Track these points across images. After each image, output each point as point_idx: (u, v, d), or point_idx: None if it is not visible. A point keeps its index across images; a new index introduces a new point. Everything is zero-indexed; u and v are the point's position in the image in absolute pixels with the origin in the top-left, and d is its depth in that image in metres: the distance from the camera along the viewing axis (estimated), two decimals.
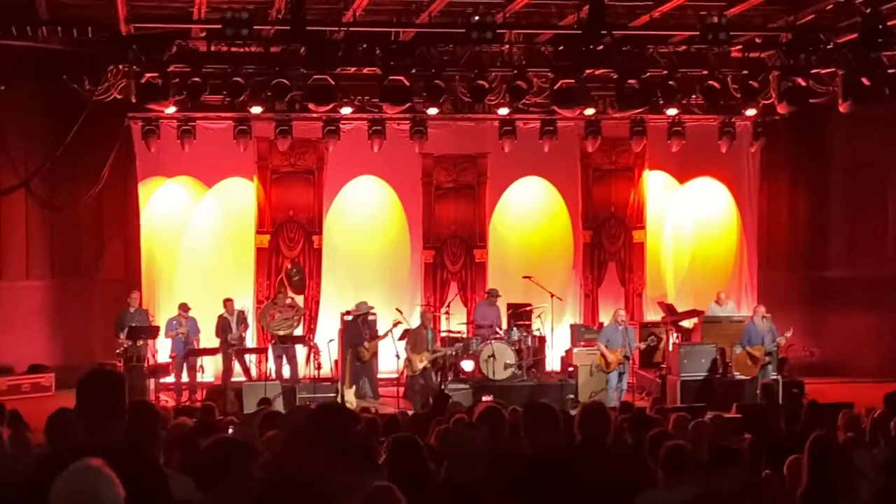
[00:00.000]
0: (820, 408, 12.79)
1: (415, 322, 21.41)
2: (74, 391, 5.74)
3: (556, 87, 19.97)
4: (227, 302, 21.62)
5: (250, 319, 22.20)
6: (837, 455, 8.02)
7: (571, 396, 20.28)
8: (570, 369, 21.48)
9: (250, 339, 22.51)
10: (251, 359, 22.19)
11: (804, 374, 21.60)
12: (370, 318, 21.41)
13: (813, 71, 20.03)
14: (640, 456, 8.08)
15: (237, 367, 21.57)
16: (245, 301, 22.68)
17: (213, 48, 19.53)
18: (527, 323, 22.34)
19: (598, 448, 7.41)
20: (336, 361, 21.57)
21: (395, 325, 20.92)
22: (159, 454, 6.33)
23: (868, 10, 17.79)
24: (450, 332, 22.37)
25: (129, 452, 4.71)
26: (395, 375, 21.23)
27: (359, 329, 21.09)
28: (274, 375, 21.20)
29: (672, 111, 22.20)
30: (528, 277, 22.85)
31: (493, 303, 22.31)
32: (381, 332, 21.24)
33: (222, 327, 21.44)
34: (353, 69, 20.10)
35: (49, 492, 4.28)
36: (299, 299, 22.79)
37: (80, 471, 4.36)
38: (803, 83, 19.99)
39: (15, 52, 19.72)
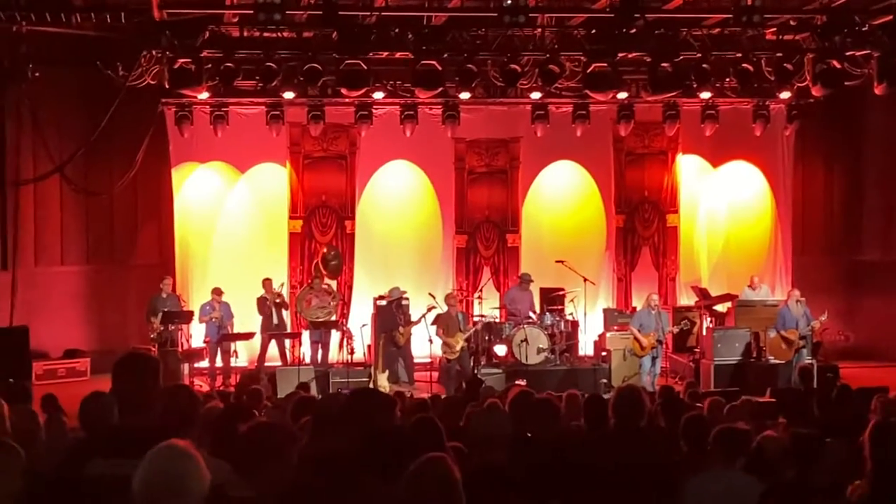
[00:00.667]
0: (851, 392, 12.71)
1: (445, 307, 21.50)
2: (110, 375, 5.77)
3: (588, 71, 19.93)
4: (266, 282, 21.69)
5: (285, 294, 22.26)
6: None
7: (605, 381, 20.28)
8: (604, 354, 21.46)
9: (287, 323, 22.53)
10: (286, 343, 22.21)
11: (839, 358, 21.51)
12: (403, 303, 21.43)
13: (848, 53, 19.90)
14: (674, 439, 8.08)
15: (273, 351, 21.63)
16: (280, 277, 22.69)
17: (245, 33, 19.58)
18: (560, 307, 22.29)
19: (632, 431, 7.40)
20: (369, 346, 21.60)
21: (430, 309, 20.91)
22: (196, 438, 6.33)
23: None
24: (482, 316, 22.33)
25: (163, 436, 4.71)
26: (429, 360, 21.27)
27: (393, 314, 21.11)
28: (309, 360, 21.26)
29: (706, 94, 22.08)
30: (561, 262, 22.77)
31: (526, 287, 22.28)
32: (414, 317, 21.24)
33: (262, 308, 21.52)
34: (385, 54, 20.07)
35: (84, 475, 4.32)
36: (333, 284, 22.79)
37: (167, 451, 4.36)
38: (838, 66, 19.88)
39: (49, 39, 19.83)
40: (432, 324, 20.79)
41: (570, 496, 6.35)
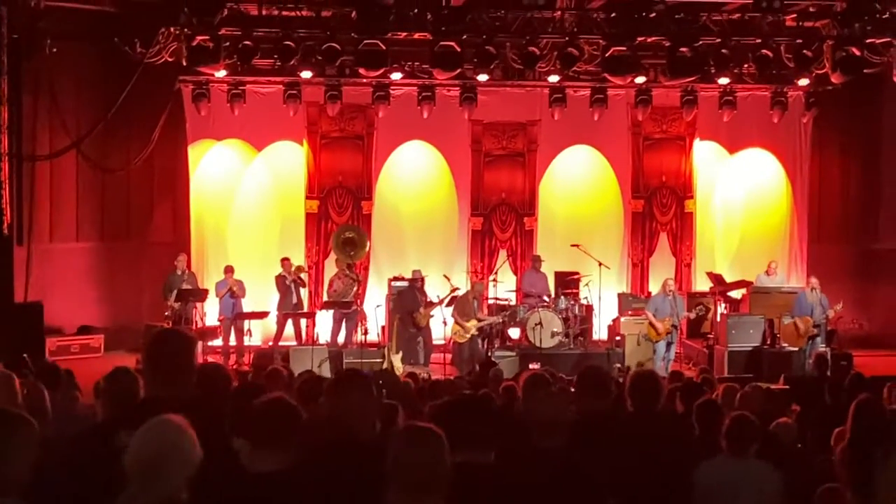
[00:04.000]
0: (866, 380, 12.68)
1: (462, 288, 21.53)
2: (124, 352, 5.80)
3: (607, 55, 19.88)
4: (285, 261, 21.68)
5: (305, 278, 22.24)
6: (880, 419, 8.01)
7: (618, 365, 20.24)
8: (618, 338, 21.42)
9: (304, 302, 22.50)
10: (302, 322, 22.18)
11: (853, 346, 21.48)
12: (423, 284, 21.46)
13: (868, 40, 19.82)
14: (689, 423, 8.09)
15: (289, 330, 21.61)
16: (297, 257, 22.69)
17: (264, 12, 19.61)
18: (574, 291, 22.27)
19: (649, 415, 7.40)
20: (383, 327, 21.60)
21: (453, 291, 20.94)
22: (227, 414, 6.35)
23: None
24: (497, 299, 22.35)
25: (196, 411, 4.76)
26: (443, 342, 21.29)
27: (415, 295, 21.09)
28: (329, 339, 21.23)
29: (724, 80, 22.00)
30: (577, 245, 22.76)
31: (538, 269, 22.31)
32: (429, 299, 21.23)
33: (280, 286, 21.51)
34: (403, 34, 20.04)
35: (114, 447, 4.36)
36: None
37: (160, 426, 4.41)
38: (858, 53, 19.79)
39: (67, 14, 19.87)
40: (447, 305, 20.83)
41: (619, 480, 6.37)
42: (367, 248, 22.63)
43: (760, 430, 7.65)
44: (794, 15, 20.10)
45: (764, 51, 20.19)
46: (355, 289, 21.91)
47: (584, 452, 6.42)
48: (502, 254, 24.41)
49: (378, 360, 19.57)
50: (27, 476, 4.64)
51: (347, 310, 21.39)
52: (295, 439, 5.45)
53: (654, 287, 23.42)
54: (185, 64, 19.88)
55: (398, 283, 21.59)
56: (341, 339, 21.32)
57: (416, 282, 21.26)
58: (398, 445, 4.89)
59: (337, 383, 6.12)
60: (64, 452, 5.60)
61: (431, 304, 21.12)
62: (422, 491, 4.75)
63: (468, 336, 20.62)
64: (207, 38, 19.10)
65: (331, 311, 21.69)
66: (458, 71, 20.23)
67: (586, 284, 22.36)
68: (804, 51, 20.34)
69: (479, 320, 20.84)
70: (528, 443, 6.50)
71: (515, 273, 23.96)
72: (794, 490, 7.53)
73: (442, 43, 19.27)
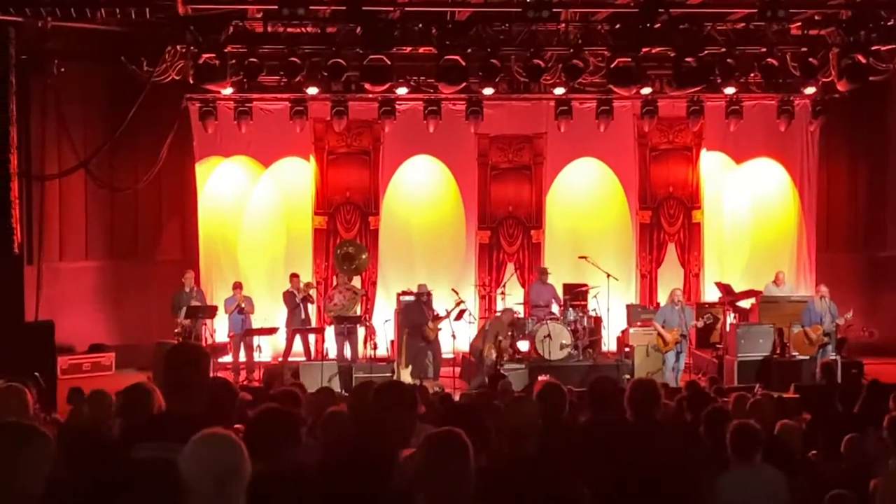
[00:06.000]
0: (882, 387, 12.63)
1: (469, 301, 21.57)
2: (135, 370, 5.84)
3: (612, 66, 19.90)
4: (293, 277, 21.70)
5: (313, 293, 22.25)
6: None
7: (627, 377, 20.18)
8: (627, 349, 21.40)
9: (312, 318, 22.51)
10: (311, 338, 22.19)
11: (863, 354, 21.44)
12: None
13: (873, 48, 19.82)
14: (695, 432, 8.08)
15: (298, 346, 21.63)
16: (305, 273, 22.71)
17: (269, 29, 19.65)
18: (583, 303, 22.25)
19: (649, 424, 7.39)
20: (392, 342, 21.61)
21: (457, 304, 20.93)
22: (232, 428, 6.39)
23: None
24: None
25: (206, 424, 4.78)
26: (451, 355, 21.29)
27: (422, 309, 21.09)
28: (336, 354, 21.22)
29: (730, 90, 22.02)
30: (584, 258, 22.74)
31: (545, 281, 22.30)
32: (437, 313, 21.22)
33: (289, 302, 21.52)
34: (408, 49, 20.11)
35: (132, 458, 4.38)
36: (356, 280, 22.75)
37: (217, 439, 4.43)
38: (863, 60, 19.78)
39: (74, 34, 19.90)
40: (456, 319, 20.78)
41: (599, 487, 6.36)
42: (367, 259, 22.62)
43: (764, 437, 7.64)
44: (800, 23, 20.12)
45: (770, 60, 20.18)
46: (358, 303, 21.94)
47: (560, 461, 6.42)
48: (510, 267, 24.44)
49: (388, 375, 19.55)
50: (41, 489, 4.66)
51: (350, 325, 21.41)
52: (293, 448, 5.47)
53: (662, 298, 23.40)
54: (191, 82, 19.96)
55: (406, 298, 21.57)
56: (347, 353, 21.30)
57: (423, 296, 21.27)
58: (426, 452, 4.88)
59: (381, 392, 6.11)
60: (80, 466, 5.64)
61: (439, 318, 21.12)
62: (450, 499, 4.75)
63: (494, 356, 20.58)
64: (213, 55, 19.17)
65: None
66: (464, 85, 20.27)
67: (594, 296, 22.33)
68: (810, 59, 20.37)
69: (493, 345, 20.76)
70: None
71: (523, 286, 23.98)
72: (802, 497, 7.52)
73: (447, 57, 19.32)
